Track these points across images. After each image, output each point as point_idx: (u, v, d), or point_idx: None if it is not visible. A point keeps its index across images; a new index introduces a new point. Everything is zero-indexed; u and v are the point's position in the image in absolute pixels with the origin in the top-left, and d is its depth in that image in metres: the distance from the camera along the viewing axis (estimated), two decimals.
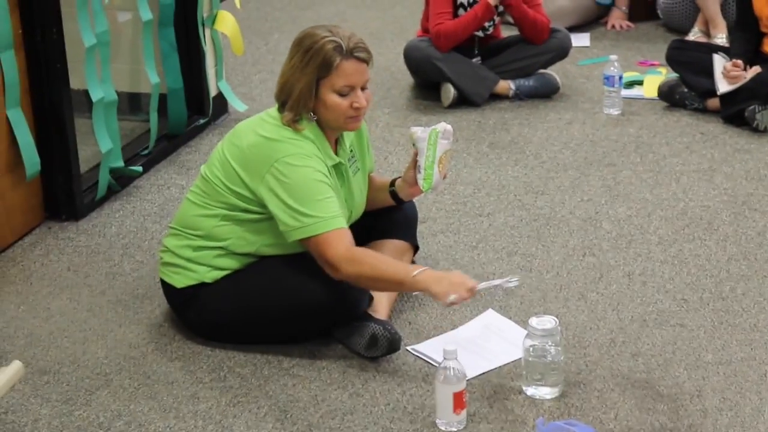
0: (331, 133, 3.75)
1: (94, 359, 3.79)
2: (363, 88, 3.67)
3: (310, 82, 3.62)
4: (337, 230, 3.59)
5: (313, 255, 3.64)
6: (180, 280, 3.81)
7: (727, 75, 5.54)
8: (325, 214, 3.59)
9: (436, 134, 3.82)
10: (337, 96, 3.63)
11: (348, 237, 3.61)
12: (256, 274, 3.75)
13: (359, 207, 3.91)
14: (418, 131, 3.85)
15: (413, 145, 3.86)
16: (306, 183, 3.60)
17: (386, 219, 3.98)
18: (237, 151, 3.70)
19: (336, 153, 3.79)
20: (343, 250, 3.57)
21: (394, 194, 3.98)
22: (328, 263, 3.60)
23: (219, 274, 3.77)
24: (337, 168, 3.78)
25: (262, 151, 3.65)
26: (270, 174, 3.62)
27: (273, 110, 3.74)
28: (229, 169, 3.71)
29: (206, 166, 3.82)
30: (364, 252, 3.64)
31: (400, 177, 3.98)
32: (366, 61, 3.66)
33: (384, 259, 3.67)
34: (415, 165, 3.87)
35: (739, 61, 5.55)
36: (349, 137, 3.86)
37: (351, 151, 3.88)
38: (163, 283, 3.89)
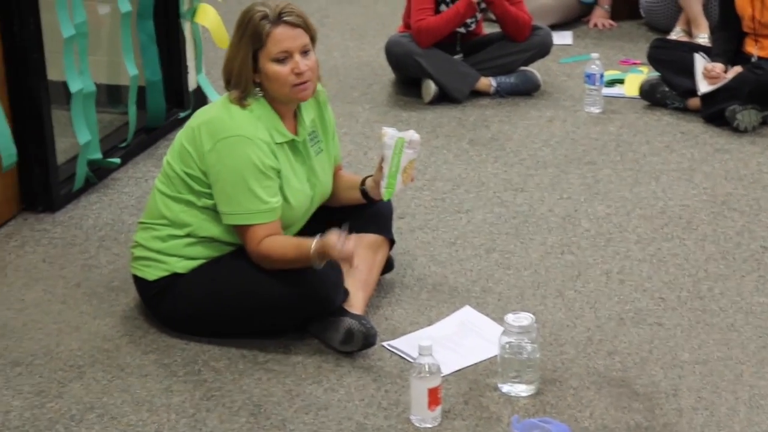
0: (285, 108, 3.75)
1: (67, 351, 3.76)
2: (304, 53, 3.67)
3: (246, 56, 3.64)
4: (258, 226, 3.65)
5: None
6: (152, 273, 3.79)
7: (707, 75, 5.54)
8: (252, 208, 3.64)
9: (402, 143, 3.75)
10: (276, 64, 3.64)
11: (265, 232, 3.65)
12: (231, 264, 3.74)
13: (324, 187, 3.90)
14: (387, 135, 3.78)
15: (382, 146, 3.82)
16: (241, 169, 3.62)
17: (360, 213, 3.95)
18: (190, 132, 3.73)
19: (295, 130, 3.78)
20: (254, 246, 3.66)
21: (364, 193, 3.95)
22: (248, 252, 3.70)
23: (191, 264, 3.76)
24: (293, 145, 3.77)
25: (208, 130, 3.67)
26: (212, 153, 3.65)
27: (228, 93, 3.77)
28: (183, 152, 3.72)
29: (167, 156, 3.82)
30: (272, 246, 3.66)
31: (371, 176, 3.95)
32: (298, 26, 3.66)
33: (288, 247, 3.67)
34: (382, 168, 3.81)
35: (720, 65, 5.54)
36: (309, 115, 3.84)
37: (313, 130, 3.86)
38: (136, 278, 3.87)
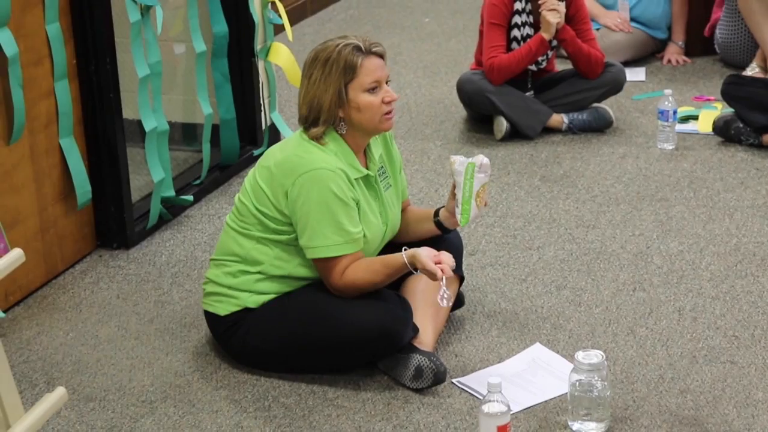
0: (357, 145, 3.79)
1: (139, 387, 3.80)
2: (387, 83, 3.76)
3: (338, 90, 3.68)
4: (344, 257, 3.68)
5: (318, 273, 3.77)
6: (223, 308, 3.82)
7: None
8: (338, 240, 3.67)
9: (472, 168, 3.79)
10: (368, 94, 3.70)
11: (348, 263, 3.69)
12: (301, 301, 3.76)
13: (394, 222, 3.93)
14: (456, 162, 3.83)
15: (452, 174, 3.85)
16: (326, 201, 3.65)
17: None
18: (265, 172, 3.76)
19: (366, 166, 3.83)
20: (338, 279, 3.69)
21: (439, 224, 3.97)
22: (329, 286, 3.74)
23: (262, 299, 3.79)
24: (367, 180, 3.81)
25: (286, 168, 3.71)
26: (293, 189, 3.68)
27: (300, 130, 3.80)
28: (258, 190, 3.76)
29: (240, 194, 3.86)
30: (356, 272, 3.69)
31: (443, 207, 3.97)
32: (383, 57, 3.75)
33: (375, 265, 3.71)
34: (454, 195, 3.86)
35: None
36: (377, 150, 3.88)
37: (381, 166, 3.91)
38: (207, 314, 3.90)
